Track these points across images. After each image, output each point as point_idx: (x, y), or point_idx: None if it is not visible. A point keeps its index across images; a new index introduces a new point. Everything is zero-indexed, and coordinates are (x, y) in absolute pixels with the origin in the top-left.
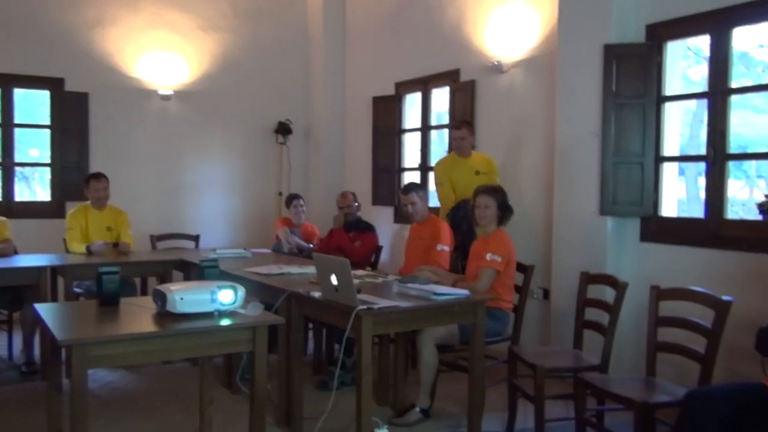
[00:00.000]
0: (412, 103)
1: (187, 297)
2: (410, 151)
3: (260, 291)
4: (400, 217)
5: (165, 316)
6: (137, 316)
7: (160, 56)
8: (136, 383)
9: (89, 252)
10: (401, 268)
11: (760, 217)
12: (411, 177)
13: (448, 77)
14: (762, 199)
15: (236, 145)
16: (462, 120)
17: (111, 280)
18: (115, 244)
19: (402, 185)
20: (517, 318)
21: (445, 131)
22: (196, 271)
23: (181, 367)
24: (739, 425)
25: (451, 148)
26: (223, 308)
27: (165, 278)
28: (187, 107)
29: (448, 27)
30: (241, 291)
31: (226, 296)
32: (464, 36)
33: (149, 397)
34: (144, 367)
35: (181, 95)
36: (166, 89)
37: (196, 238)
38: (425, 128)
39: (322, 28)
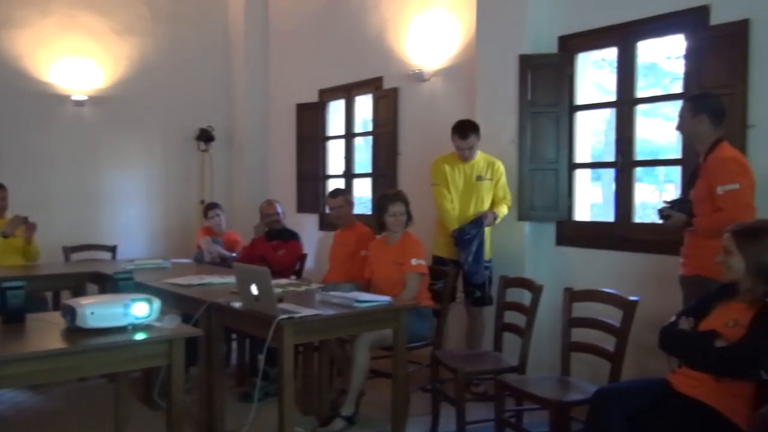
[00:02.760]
0: (336, 110)
1: (99, 311)
2: (334, 159)
3: (180, 302)
4: (325, 224)
5: (75, 331)
6: (44, 333)
7: (74, 60)
8: (47, 402)
9: (4, 236)
10: (325, 275)
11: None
12: (335, 184)
13: (372, 85)
14: (662, 204)
15: (156, 152)
16: (466, 124)
17: (15, 296)
18: (25, 219)
19: (327, 192)
20: (440, 323)
21: (369, 138)
22: (111, 283)
23: (97, 383)
24: (644, 420)
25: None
26: (137, 322)
27: (79, 292)
28: (102, 113)
29: (371, 34)
30: (157, 303)
31: (141, 309)
32: (387, 44)
33: (62, 416)
34: (56, 384)
35: (96, 101)
36: (79, 94)
37: (112, 249)
38: (349, 135)
39: (244, 33)
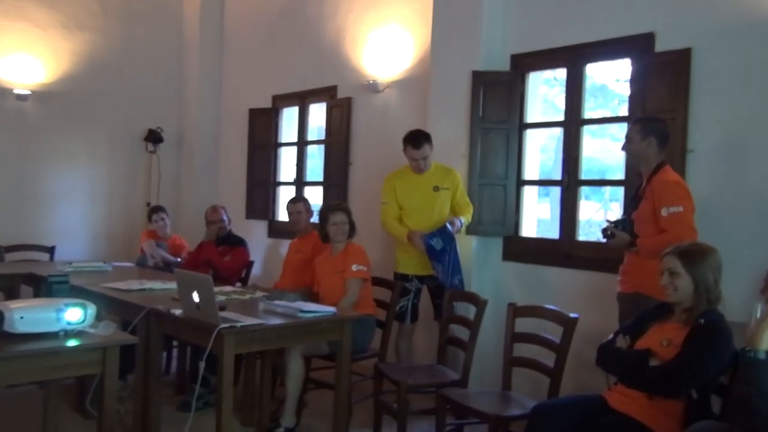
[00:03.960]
0: (290, 117)
1: (29, 316)
2: (286, 166)
3: (119, 308)
4: (275, 231)
5: (3, 336)
6: None
7: (17, 53)
8: None
9: None
10: (277, 281)
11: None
12: (286, 191)
13: (326, 93)
14: (605, 223)
15: (101, 151)
16: (419, 134)
17: None
18: None
19: (278, 199)
20: (384, 335)
21: (322, 147)
22: (45, 286)
23: (27, 390)
24: None
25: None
26: (70, 328)
27: (12, 294)
28: (46, 109)
29: (327, 43)
30: (92, 309)
31: (74, 315)
32: (342, 53)
33: None
34: None
35: (40, 96)
36: (22, 88)
37: (50, 250)
38: (302, 143)
39: (199, 35)
